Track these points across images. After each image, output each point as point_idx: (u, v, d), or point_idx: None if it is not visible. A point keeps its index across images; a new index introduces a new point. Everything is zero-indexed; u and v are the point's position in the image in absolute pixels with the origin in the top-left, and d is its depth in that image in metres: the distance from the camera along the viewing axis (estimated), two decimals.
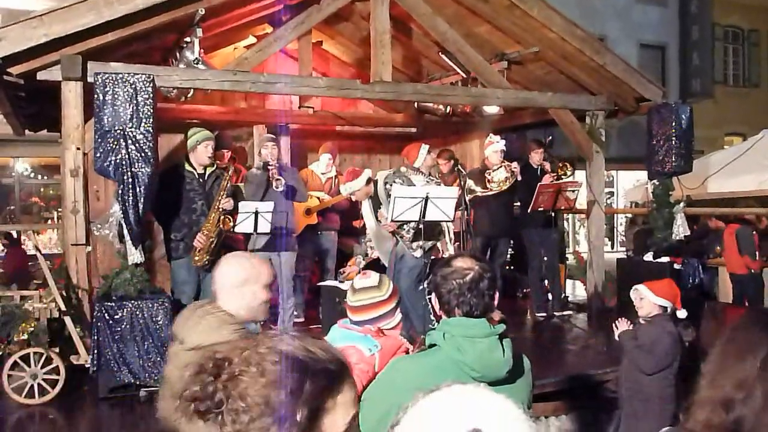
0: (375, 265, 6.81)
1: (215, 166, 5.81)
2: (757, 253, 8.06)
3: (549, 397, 5.06)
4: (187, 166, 5.65)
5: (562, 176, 7.07)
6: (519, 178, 7.12)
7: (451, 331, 2.06)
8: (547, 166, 7.20)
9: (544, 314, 6.98)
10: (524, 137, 13.75)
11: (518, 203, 7.48)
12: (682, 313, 3.98)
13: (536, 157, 7.34)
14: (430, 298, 2.28)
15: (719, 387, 1.32)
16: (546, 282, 7.58)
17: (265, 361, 1.04)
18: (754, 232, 8.22)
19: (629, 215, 15.47)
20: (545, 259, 7.39)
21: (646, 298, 3.95)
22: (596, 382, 5.35)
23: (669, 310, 3.96)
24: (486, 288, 2.10)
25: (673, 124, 6.85)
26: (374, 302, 2.69)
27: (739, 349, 1.35)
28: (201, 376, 1.06)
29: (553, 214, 7.17)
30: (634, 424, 3.84)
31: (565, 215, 13.13)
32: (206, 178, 5.69)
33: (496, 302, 2.14)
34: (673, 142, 6.85)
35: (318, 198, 7.37)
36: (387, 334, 2.70)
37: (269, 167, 5.99)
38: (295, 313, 6.71)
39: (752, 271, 7.99)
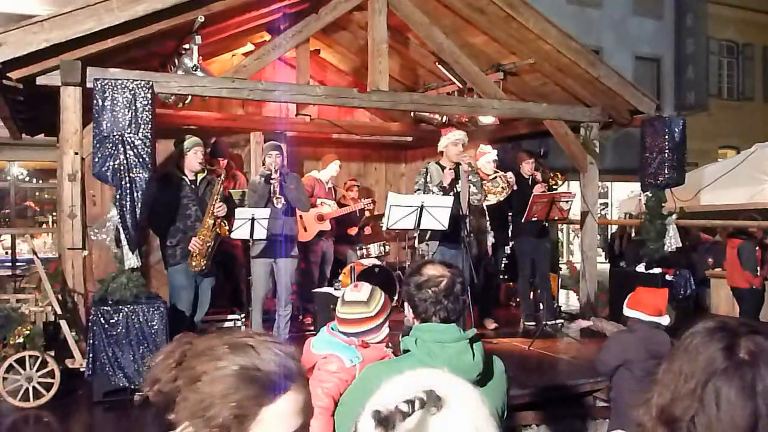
0: (371, 273, 6.87)
1: (206, 171, 5.84)
2: (758, 268, 8.05)
3: (537, 406, 5.09)
4: (179, 174, 5.71)
5: (554, 186, 7.14)
6: (515, 187, 7.19)
7: (423, 337, 2.11)
8: (538, 176, 7.26)
9: (534, 323, 7.02)
10: (519, 147, 13.85)
11: (510, 213, 7.52)
12: (664, 320, 3.91)
13: (527, 168, 7.42)
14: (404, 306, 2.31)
15: (675, 402, 1.21)
16: (539, 291, 7.62)
17: (215, 361, 1.12)
18: (758, 247, 8.22)
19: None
20: (537, 269, 7.42)
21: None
22: (585, 392, 5.39)
23: (648, 318, 3.89)
24: (460, 293, 2.15)
25: (666, 136, 6.91)
26: (360, 318, 2.66)
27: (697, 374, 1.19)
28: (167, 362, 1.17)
29: (546, 225, 7.21)
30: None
31: (558, 226, 13.22)
32: (198, 184, 5.75)
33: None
34: (666, 155, 6.91)
35: (329, 205, 7.43)
36: (372, 346, 2.70)
37: (272, 180, 5.95)
38: (300, 316, 6.68)
39: (753, 286, 8.02)
